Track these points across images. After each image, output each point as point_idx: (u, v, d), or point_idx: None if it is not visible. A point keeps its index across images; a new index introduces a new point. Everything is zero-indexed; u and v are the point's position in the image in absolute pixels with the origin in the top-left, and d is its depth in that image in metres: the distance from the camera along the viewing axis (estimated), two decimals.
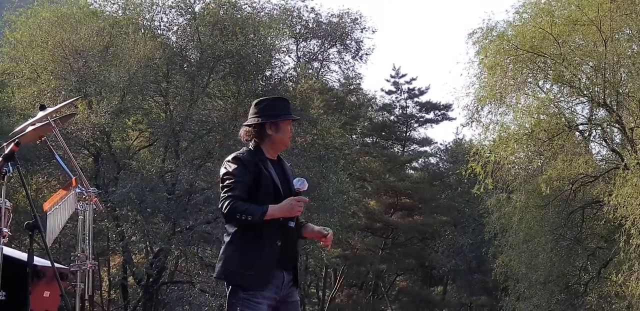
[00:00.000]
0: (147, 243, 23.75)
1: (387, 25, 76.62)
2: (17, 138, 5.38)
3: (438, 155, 37.71)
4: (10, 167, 5.17)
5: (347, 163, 28.62)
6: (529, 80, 21.11)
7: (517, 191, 21.10)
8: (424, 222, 33.73)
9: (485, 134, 21.58)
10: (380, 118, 36.81)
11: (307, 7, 33.96)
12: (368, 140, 36.58)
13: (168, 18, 24.76)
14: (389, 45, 72.39)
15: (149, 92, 24.16)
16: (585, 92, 20.11)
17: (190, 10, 24.31)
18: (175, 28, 24.90)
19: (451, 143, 36.73)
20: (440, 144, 37.53)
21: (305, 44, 33.77)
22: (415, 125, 36.97)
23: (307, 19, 32.74)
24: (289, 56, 32.36)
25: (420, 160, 37.68)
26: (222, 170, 4.39)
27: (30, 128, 5.64)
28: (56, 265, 5.51)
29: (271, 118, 4.45)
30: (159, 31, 24.89)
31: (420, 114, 36.88)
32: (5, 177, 5.17)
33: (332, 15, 33.06)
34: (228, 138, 23.30)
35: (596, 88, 19.83)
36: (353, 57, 33.83)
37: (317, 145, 24.07)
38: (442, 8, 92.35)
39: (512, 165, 21.27)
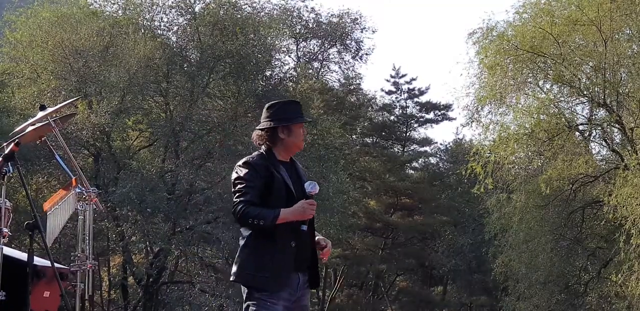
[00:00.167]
0: (147, 243, 23.76)
1: (387, 25, 76.63)
2: (17, 138, 5.38)
3: (438, 155, 37.73)
4: (10, 167, 5.17)
5: (347, 163, 28.62)
6: (529, 80, 21.11)
7: (517, 191, 21.10)
8: (424, 222, 33.72)
9: (485, 134, 21.60)
10: (380, 118, 36.81)
11: (307, 7, 34.08)
12: (368, 140, 36.58)
13: (168, 18, 24.80)
14: (389, 45, 72.40)
15: (149, 92, 24.17)
16: (585, 92, 20.11)
17: (190, 10, 24.32)
18: (175, 28, 24.92)
19: (451, 143, 36.76)
20: (440, 144, 37.58)
21: (305, 44, 33.81)
22: (415, 125, 37.00)
23: (307, 19, 32.79)
24: (289, 56, 32.41)
25: (420, 160, 37.70)
26: (234, 175, 4.41)
27: (30, 128, 5.64)
28: (56, 265, 5.52)
29: (283, 121, 4.46)
30: (159, 31, 24.91)
31: (420, 114, 36.89)
32: (5, 177, 5.17)
33: (332, 15, 33.13)
34: (228, 138, 23.32)
35: (596, 88, 19.83)
36: (353, 57, 33.87)
37: (317, 145, 24.07)
38: (442, 8, 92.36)
39: (512, 165, 21.27)
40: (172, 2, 24.30)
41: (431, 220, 33.44)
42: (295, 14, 32.29)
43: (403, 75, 36.58)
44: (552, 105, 20.48)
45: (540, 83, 21.31)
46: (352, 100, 33.62)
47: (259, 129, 4.52)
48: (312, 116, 24.48)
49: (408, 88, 36.45)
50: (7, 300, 5.22)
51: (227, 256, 25.79)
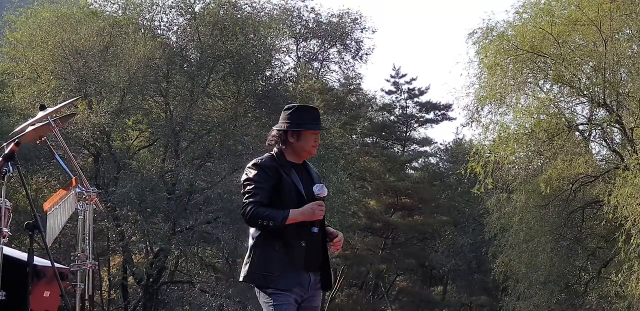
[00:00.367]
0: (147, 243, 23.77)
1: (387, 25, 76.67)
2: (17, 138, 5.38)
3: (438, 155, 37.71)
4: (10, 167, 5.17)
5: (347, 163, 28.62)
6: (529, 80, 21.11)
7: (517, 191, 21.09)
8: (424, 222, 33.71)
9: (485, 134, 21.59)
10: (380, 118, 36.80)
11: (307, 7, 34.06)
12: (368, 140, 36.56)
13: (168, 18, 24.80)
14: (389, 45, 72.41)
15: (149, 92, 24.18)
16: (585, 92, 20.11)
17: (190, 10, 24.32)
18: (175, 28, 24.92)
19: (451, 143, 36.75)
20: (440, 144, 37.56)
21: (305, 44, 33.80)
22: (415, 125, 36.99)
23: (307, 19, 32.80)
24: (289, 56, 32.42)
25: (420, 160, 37.68)
26: (243, 177, 4.45)
27: (30, 128, 5.64)
28: (56, 265, 5.52)
29: (294, 127, 4.48)
30: (159, 31, 24.92)
31: (420, 114, 36.88)
32: (5, 177, 5.17)
33: (332, 15, 33.12)
34: (228, 138, 23.33)
35: (596, 88, 19.82)
36: (353, 57, 33.87)
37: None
38: (442, 8, 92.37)
39: (512, 165, 21.26)
40: (172, 2, 24.33)
41: (431, 220, 33.43)
42: (295, 13, 32.31)
43: (403, 75, 36.61)
44: (552, 105, 20.48)
45: (540, 83, 21.32)
46: (352, 100, 33.61)
47: (275, 129, 4.56)
48: None
49: (408, 88, 36.46)
50: (7, 300, 5.22)
51: (227, 256, 25.82)
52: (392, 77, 36.61)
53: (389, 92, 36.61)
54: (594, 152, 22.15)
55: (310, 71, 31.85)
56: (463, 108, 21.80)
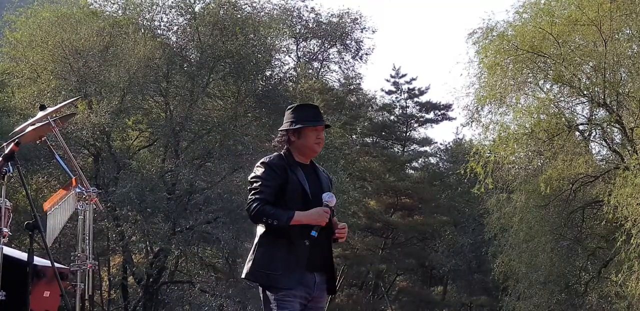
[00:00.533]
0: (147, 243, 23.77)
1: (387, 25, 76.70)
2: (17, 138, 5.39)
3: (438, 155, 37.70)
4: (10, 167, 5.18)
5: (347, 163, 28.62)
6: (529, 80, 21.10)
7: (517, 191, 21.08)
8: (424, 222, 33.70)
9: (485, 134, 21.58)
10: (380, 118, 36.78)
11: (307, 7, 34.06)
12: (368, 140, 36.55)
13: (168, 18, 24.80)
14: (389, 45, 72.46)
15: (149, 92, 24.18)
16: (585, 92, 20.10)
17: (190, 10, 24.31)
18: (175, 28, 24.92)
19: (451, 143, 36.74)
20: (440, 144, 37.55)
21: (305, 44, 33.80)
22: (415, 125, 36.98)
23: (307, 19, 32.79)
24: (289, 56, 32.41)
25: (420, 160, 37.67)
26: (251, 174, 4.50)
27: (30, 128, 5.64)
28: (56, 265, 5.52)
29: (293, 125, 4.54)
30: (159, 31, 24.91)
31: (420, 114, 36.87)
32: (5, 177, 5.17)
33: (332, 15, 33.11)
34: (228, 138, 23.32)
35: (596, 88, 19.81)
36: (353, 57, 33.86)
37: None
38: (442, 8, 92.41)
39: (512, 165, 21.26)
40: (172, 2, 24.33)
41: (431, 220, 33.42)
42: (295, 14, 32.30)
43: (403, 75, 36.59)
44: (552, 105, 20.47)
45: (540, 83, 21.31)
46: (352, 100, 33.60)
47: (279, 131, 4.64)
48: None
49: (408, 88, 36.45)
50: (7, 300, 5.22)
51: (227, 256, 25.81)
52: (392, 77, 36.63)
53: (389, 92, 36.63)
54: (594, 152, 22.16)
55: (310, 71, 31.85)
56: (463, 108, 21.82)
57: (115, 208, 21.90)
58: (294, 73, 29.68)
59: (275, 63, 26.65)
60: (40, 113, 5.69)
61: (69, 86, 22.16)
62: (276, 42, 26.47)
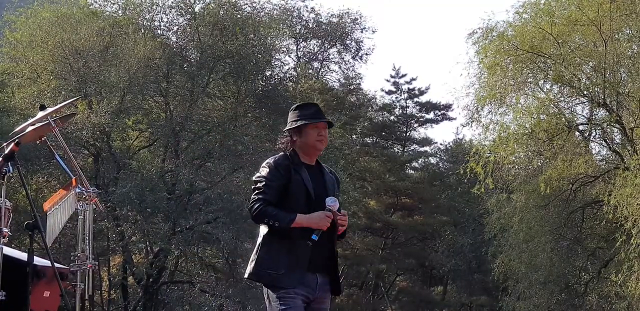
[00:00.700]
0: (147, 243, 23.77)
1: (387, 25, 76.71)
2: (17, 138, 5.39)
3: (438, 155, 37.69)
4: (10, 167, 5.18)
5: (347, 163, 28.62)
6: (529, 80, 21.09)
7: (517, 191, 21.08)
8: (424, 222, 33.69)
9: (485, 134, 21.58)
10: (380, 118, 36.78)
11: (307, 7, 34.06)
12: (368, 140, 36.54)
13: (168, 18, 24.81)
14: (389, 45, 72.47)
15: (149, 92, 24.18)
16: (585, 92, 20.10)
17: (190, 10, 24.32)
18: (175, 28, 24.93)
19: (451, 143, 36.73)
20: (440, 144, 37.54)
21: (305, 44, 33.80)
22: (415, 125, 36.97)
23: (307, 19, 32.79)
24: (289, 56, 32.42)
25: (420, 160, 37.66)
26: (256, 174, 4.51)
27: (30, 128, 5.65)
28: (56, 265, 5.52)
29: (293, 124, 4.57)
30: (159, 31, 24.92)
31: (420, 114, 36.86)
32: (5, 177, 5.17)
33: (332, 15, 33.11)
34: (228, 138, 23.33)
35: (596, 89, 19.81)
36: (353, 57, 33.87)
37: None
38: (442, 8, 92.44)
39: (512, 165, 21.26)
40: (172, 2, 24.34)
41: (431, 220, 33.42)
42: (295, 14, 32.31)
43: (403, 75, 36.58)
44: (552, 105, 20.47)
45: (540, 83, 21.30)
46: (352, 100, 33.59)
47: (283, 132, 4.67)
48: None
49: (408, 88, 36.44)
50: (7, 300, 5.23)
51: (227, 256, 25.81)
52: (392, 77, 36.62)
53: (389, 92, 36.62)
54: (594, 152, 22.16)
55: (310, 71, 31.86)
56: (463, 108, 21.82)
57: (115, 208, 21.90)
58: (294, 73, 29.69)
59: (275, 63, 26.69)
60: (40, 113, 5.69)
61: (69, 86, 22.16)
62: (276, 42, 26.48)
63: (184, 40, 24.85)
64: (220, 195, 22.33)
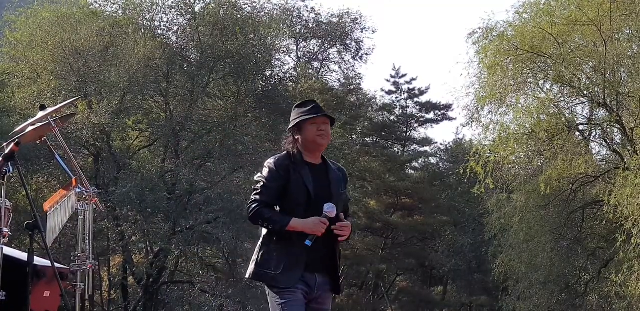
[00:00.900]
0: (147, 243, 23.77)
1: (387, 25, 76.72)
2: (17, 138, 5.39)
3: (438, 155, 37.68)
4: (10, 167, 5.18)
5: (347, 163, 28.60)
6: (529, 80, 21.09)
7: (517, 191, 21.07)
8: (424, 222, 33.68)
9: (485, 134, 21.58)
10: (380, 118, 36.76)
11: (307, 7, 34.02)
12: (368, 140, 36.52)
13: (168, 18, 24.82)
14: (389, 45, 72.47)
15: (149, 92, 24.19)
16: (585, 92, 20.10)
17: (190, 10, 24.33)
18: (175, 28, 24.94)
19: (451, 143, 36.72)
20: (440, 144, 37.52)
21: (305, 44, 33.80)
22: (416, 125, 36.95)
23: (307, 19, 32.79)
24: (289, 56, 32.42)
25: (420, 160, 37.64)
26: (257, 174, 4.52)
27: (30, 128, 5.65)
28: (56, 265, 5.52)
29: (293, 122, 4.56)
30: (159, 31, 24.93)
31: (420, 114, 36.84)
32: (5, 177, 5.17)
33: (332, 15, 33.11)
34: (228, 138, 23.33)
35: (596, 89, 19.81)
36: (353, 57, 33.86)
37: None
38: (442, 8, 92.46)
39: (512, 165, 21.25)
40: (172, 2, 24.35)
41: (431, 220, 33.41)
42: (295, 14, 32.31)
43: (403, 75, 36.56)
44: (552, 105, 20.47)
45: (540, 83, 21.30)
46: (352, 100, 33.59)
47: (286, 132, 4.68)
48: None
49: (408, 88, 36.42)
50: (7, 300, 5.22)
51: (227, 256, 25.81)
52: (392, 77, 36.60)
53: (389, 92, 36.60)
54: (594, 152, 22.16)
55: (310, 71, 31.86)
56: (463, 108, 21.81)
57: (115, 208, 21.90)
58: (294, 73, 29.70)
59: (275, 63, 26.70)
60: (40, 113, 5.69)
61: (69, 86, 22.17)
62: (276, 42, 26.49)
63: (184, 40, 24.86)
64: (221, 195, 22.33)
